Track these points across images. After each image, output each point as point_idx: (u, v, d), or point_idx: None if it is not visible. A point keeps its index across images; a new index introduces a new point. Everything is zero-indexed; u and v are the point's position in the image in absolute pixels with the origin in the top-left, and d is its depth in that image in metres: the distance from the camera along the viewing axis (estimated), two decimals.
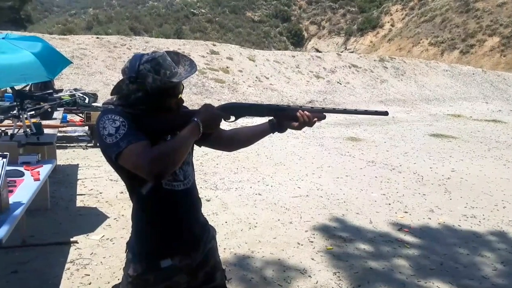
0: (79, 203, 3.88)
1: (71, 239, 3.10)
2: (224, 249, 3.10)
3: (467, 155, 6.80)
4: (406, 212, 4.10)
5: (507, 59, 28.39)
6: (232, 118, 1.42)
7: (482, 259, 3.19)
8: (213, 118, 1.30)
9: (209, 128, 1.29)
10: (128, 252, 1.38)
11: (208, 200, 4.10)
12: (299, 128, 1.41)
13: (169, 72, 1.25)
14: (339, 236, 3.48)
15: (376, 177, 5.26)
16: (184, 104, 1.39)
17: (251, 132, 1.52)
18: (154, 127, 1.25)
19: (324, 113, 1.41)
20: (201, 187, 4.40)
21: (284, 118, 1.42)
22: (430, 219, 3.96)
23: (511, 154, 7.00)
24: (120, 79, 1.28)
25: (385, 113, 1.48)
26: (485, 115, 12.31)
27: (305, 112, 1.39)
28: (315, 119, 1.40)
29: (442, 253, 3.25)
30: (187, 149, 1.23)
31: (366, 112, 1.47)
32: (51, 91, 5.22)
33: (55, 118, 5.06)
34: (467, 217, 4.05)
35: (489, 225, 3.87)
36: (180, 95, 1.32)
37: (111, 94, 1.31)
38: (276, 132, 1.47)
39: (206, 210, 3.82)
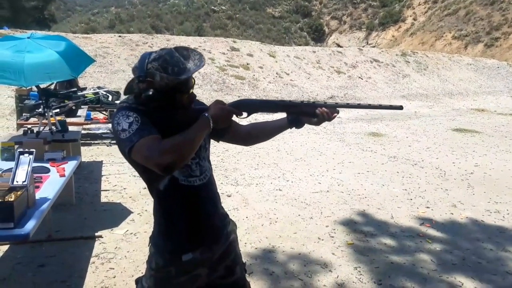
0: (103, 199, 3.99)
1: (96, 234, 3.18)
2: (245, 243, 3.13)
3: (491, 150, 6.61)
4: (428, 207, 4.03)
5: None
6: (244, 114, 1.43)
7: (506, 254, 3.12)
8: (224, 114, 1.32)
9: (220, 123, 1.31)
10: (151, 246, 1.41)
11: (229, 196, 4.14)
12: (317, 123, 1.42)
13: (177, 68, 1.26)
14: (360, 231, 3.45)
15: (397, 172, 5.19)
16: (203, 101, 1.41)
17: (269, 127, 1.53)
18: (167, 124, 1.27)
19: (337, 108, 1.41)
20: (222, 183, 4.45)
21: (299, 114, 1.43)
22: (452, 214, 3.89)
23: None
24: (131, 78, 1.31)
25: (400, 107, 1.46)
26: (510, 109, 11.91)
27: (324, 108, 1.39)
28: (335, 114, 1.40)
29: (465, 248, 3.19)
30: (197, 143, 1.24)
31: (380, 107, 1.46)
32: (76, 89, 5.37)
33: (79, 116, 5.21)
34: (491, 212, 3.95)
35: None
36: (191, 90, 1.33)
37: (124, 94, 1.35)
38: (294, 128, 1.48)
39: (227, 205, 3.85)
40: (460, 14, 35.63)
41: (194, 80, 1.34)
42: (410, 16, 42.88)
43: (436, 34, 35.16)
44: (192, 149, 1.23)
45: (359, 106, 1.46)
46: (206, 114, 1.28)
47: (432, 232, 3.48)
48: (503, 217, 3.85)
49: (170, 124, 1.27)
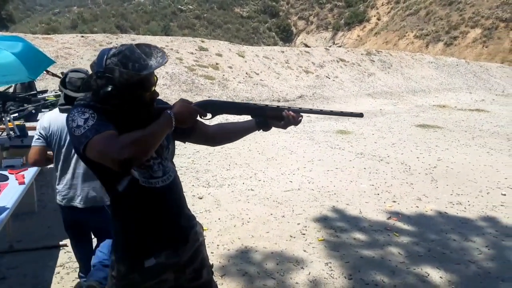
0: None
1: (60, 243, 3.06)
2: (218, 245, 3.11)
3: (452, 144, 6.91)
4: (394, 202, 4.16)
5: (489, 50, 28.93)
6: (209, 115, 1.40)
7: (468, 243, 3.27)
8: (188, 113, 1.28)
9: (183, 122, 1.26)
10: (111, 254, 1.36)
11: (201, 198, 4.09)
12: (284, 127, 1.44)
13: (138, 64, 1.21)
14: (330, 227, 3.51)
15: (365, 168, 5.32)
16: (172, 102, 1.37)
17: (237, 128, 1.52)
18: (127, 123, 1.22)
19: (300, 113, 1.45)
20: (193, 185, 4.40)
21: (267, 117, 1.44)
22: (418, 207, 4.03)
23: (494, 142, 7.15)
24: (89, 74, 1.26)
25: (360, 115, 1.51)
26: (469, 105, 12.50)
27: (290, 112, 1.41)
28: (300, 118, 1.43)
29: (431, 240, 3.32)
30: (157, 140, 1.20)
31: (342, 114, 1.51)
32: (35, 92, 5.14)
33: None
34: (453, 204, 4.13)
35: (474, 211, 3.96)
36: (153, 88, 1.29)
37: (81, 91, 1.28)
38: (262, 130, 1.49)
39: (199, 207, 3.81)
40: (421, 14, 37.12)
41: (157, 78, 1.30)
42: (374, 16, 44.19)
43: (399, 34, 36.44)
44: (152, 145, 1.18)
45: (321, 112, 1.49)
46: (169, 112, 1.23)
47: (399, 225, 3.59)
48: (465, 208, 4.03)
49: (131, 122, 1.21)
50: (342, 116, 1.53)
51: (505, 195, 4.40)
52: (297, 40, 48.46)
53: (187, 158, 5.47)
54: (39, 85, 7.63)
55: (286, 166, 5.33)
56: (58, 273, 2.69)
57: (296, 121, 1.42)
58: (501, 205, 4.11)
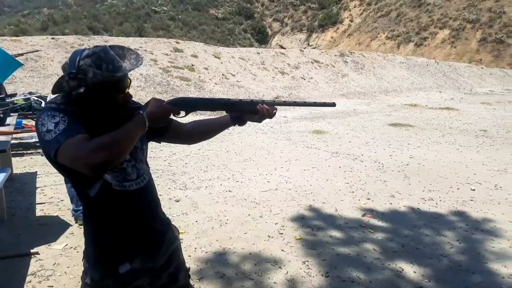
0: (38, 212, 3.71)
1: (32, 251, 2.95)
2: (195, 248, 3.09)
3: (424, 142, 7.13)
4: (369, 199, 4.25)
5: (457, 50, 30.05)
6: (182, 113, 1.38)
7: (441, 238, 3.37)
8: (161, 112, 1.25)
9: (156, 122, 1.24)
10: (85, 261, 1.33)
11: (178, 201, 4.05)
12: (259, 120, 1.42)
13: (112, 66, 1.19)
14: (307, 225, 3.55)
15: (340, 167, 5.41)
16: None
17: (212, 124, 1.50)
18: (100, 125, 1.19)
19: (275, 106, 1.43)
20: (169, 188, 4.35)
21: (241, 111, 1.43)
22: (391, 204, 4.13)
23: (463, 139, 7.43)
24: (60, 75, 1.22)
25: (333, 104, 1.48)
26: (439, 104, 12.93)
27: (264, 105, 1.40)
28: (274, 111, 1.41)
29: (404, 235, 3.40)
30: (131, 142, 1.17)
31: (315, 104, 1.49)
32: (3, 95, 4.95)
33: (9, 124, 4.80)
34: (425, 200, 4.26)
35: (445, 206, 4.09)
36: (127, 90, 1.27)
37: (52, 93, 1.24)
38: (237, 125, 1.48)
39: (176, 210, 3.77)
40: (392, 16, 38.15)
41: (130, 80, 1.28)
42: (347, 18, 45.05)
43: (371, 35, 37.30)
44: (125, 147, 1.15)
45: (295, 103, 1.48)
46: (142, 112, 1.21)
47: (374, 222, 3.67)
48: (436, 204, 4.16)
49: (104, 125, 1.19)
50: (315, 106, 1.51)
51: (474, 190, 4.58)
52: (272, 42, 48.79)
53: (163, 160, 5.40)
54: (8, 88, 7.35)
55: (263, 166, 5.35)
56: (30, 282, 2.59)
57: (270, 114, 1.40)
58: (471, 200, 4.27)
